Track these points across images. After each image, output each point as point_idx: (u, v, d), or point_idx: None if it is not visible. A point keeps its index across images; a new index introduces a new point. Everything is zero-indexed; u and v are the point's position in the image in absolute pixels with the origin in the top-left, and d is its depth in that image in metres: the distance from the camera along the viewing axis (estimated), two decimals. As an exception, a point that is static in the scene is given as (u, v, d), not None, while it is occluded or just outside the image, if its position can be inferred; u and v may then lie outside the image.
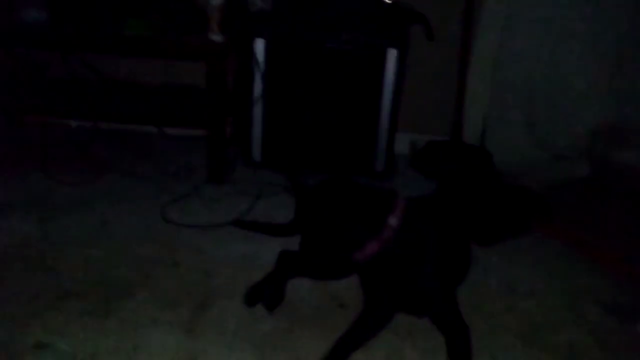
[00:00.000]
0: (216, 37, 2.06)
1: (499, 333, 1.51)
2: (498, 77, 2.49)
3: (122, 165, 2.34)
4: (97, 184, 2.17)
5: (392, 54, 2.17)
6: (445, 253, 1.35)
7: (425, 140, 2.56)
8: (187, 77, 2.52)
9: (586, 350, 1.47)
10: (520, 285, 1.72)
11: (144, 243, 1.82)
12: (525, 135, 2.54)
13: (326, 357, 1.35)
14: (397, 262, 1.25)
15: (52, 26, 2.13)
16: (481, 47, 2.47)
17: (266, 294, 1.51)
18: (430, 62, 2.53)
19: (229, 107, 2.28)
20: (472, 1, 2.42)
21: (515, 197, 2.12)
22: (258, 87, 2.24)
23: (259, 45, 2.19)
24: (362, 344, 1.39)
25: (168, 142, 2.57)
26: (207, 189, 2.19)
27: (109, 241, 1.81)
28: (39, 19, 2.13)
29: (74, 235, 1.83)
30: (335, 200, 1.25)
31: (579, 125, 2.50)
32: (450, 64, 2.51)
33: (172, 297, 1.57)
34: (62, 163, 2.29)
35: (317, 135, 2.32)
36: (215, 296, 1.59)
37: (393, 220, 1.22)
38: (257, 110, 2.28)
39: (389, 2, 2.25)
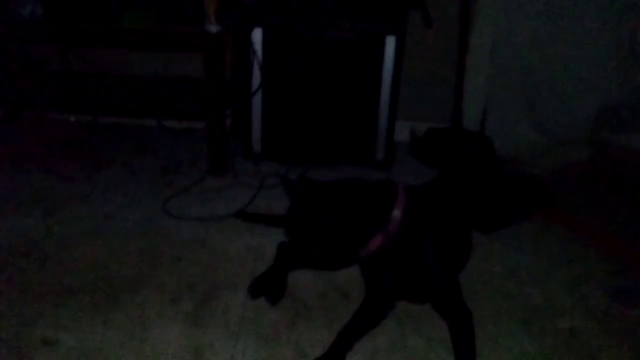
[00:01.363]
0: (213, 28, 2.05)
1: (501, 319, 1.52)
2: (497, 63, 2.47)
3: (122, 159, 2.34)
4: (98, 178, 2.17)
5: (390, 41, 2.15)
6: (446, 240, 1.36)
7: (425, 127, 2.55)
8: (186, 68, 2.51)
9: (589, 335, 1.48)
10: (523, 271, 1.73)
11: (146, 237, 1.82)
12: (526, 121, 2.53)
13: (330, 347, 1.36)
14: (400, 253, 1.26)
15: (48, 20, 2.11)
16: (479, 32, 2.45)
17: (269, 288, 1.52)
18: (429, 48, 2.51)
19: (227, 98, 2.27)
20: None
21: (517, 183, 2.14)
22: (256, 78, 2.23)
23: (257, 35, 2.17)
24: (365, 332, 1.41)
25: (167, 134, 2.57)
26: (208, 182, 2.19)
27: (112, 236, 1.82)
28: (35, 13, 2.11)
29: (77, 231, 1.84)
30: (335, 198, 1.24)
31: (580, 110, 2.49)
32: (449, 50, 2.50)
33: (176, 290, 1.58)
34: (61, 158, 2.29)
35: (317, 125, 2.31)
36: (219, 289, 1.59)
37: (396, 213, 1.23)
38: (256, 101, 2.27)
39: (387, -12, 2.23)
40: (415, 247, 1.27)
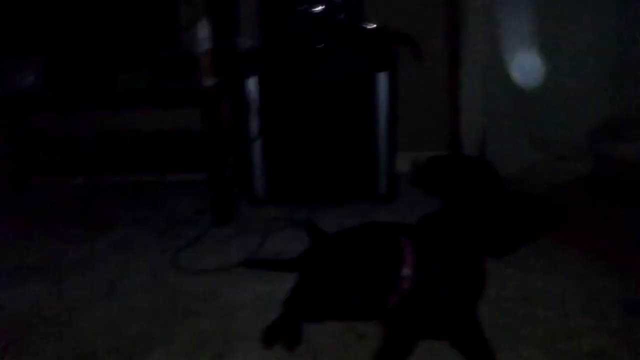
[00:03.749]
0: (208, 81, 2.10)
1: (519, 345, 1.49)
2: (491, 85, 2.50)
3: (128, 217, 2.36)
4: (105, 239, 2.19)
5: (382, 77, 2.20)
6: (461, 275, 1.36)
7: (426, 156, 2.57)
8: (184, 120, 2.55)
9: (612, 354, 1.44)
10: (537, 294, 1.71)
11: (156, 294, 1.82)
12: (525, 140, 2.55)
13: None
14: (417, 302, 1.28)
15: (48, 89, 2.17)
16: (470, 56, 2.49)
17: (284, 334, 1.50)
18: (423, 79, 2.56)
19: (227, 147, 2.30)
20: (455, 10, 2.43)
21: (522, 204, 2.13)
22: (255, 125, 2.27)
23: (252, 84, 2.23)
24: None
25: (171, 188, 2.59)
26: (214, 232, 2.20)
27: (123, 296, 1.82)
28: (35, 84, 2.18)
29: (87, 294, 1.83)
30: (345, 270, 1.26)
31: (577, 124, 2.50)
32: (443, 79, 2.54)
33: (191, 347, 1.56)
34: (69, 221, 2.31)
35: (318, 165, 2.34)
36: (234, 341, 1.58)
37: (407, 272, 1.25)
38: (256, 148, 2.31)
39: (374, 27, 2.29)
40: (431, 294, 1.29)
